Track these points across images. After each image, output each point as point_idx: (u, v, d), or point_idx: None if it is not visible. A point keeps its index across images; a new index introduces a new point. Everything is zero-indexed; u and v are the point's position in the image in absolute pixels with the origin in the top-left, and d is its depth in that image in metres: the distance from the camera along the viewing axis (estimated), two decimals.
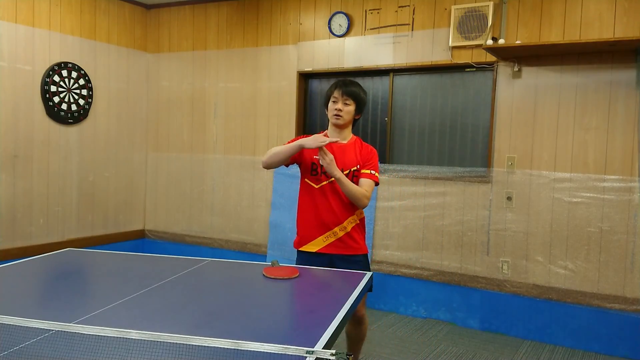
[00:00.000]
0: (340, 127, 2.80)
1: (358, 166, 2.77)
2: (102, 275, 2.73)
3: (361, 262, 2.83)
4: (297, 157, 2.78)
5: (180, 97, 5.71)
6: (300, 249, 2.85)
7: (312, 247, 2.81)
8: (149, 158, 5.91)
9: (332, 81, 5.02)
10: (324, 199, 2.76)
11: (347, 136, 2.82)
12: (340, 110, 2.73)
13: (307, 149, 2.70)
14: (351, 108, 2.75)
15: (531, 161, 4.08)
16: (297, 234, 2.89)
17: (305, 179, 2.81)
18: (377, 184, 2.80)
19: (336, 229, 2.77)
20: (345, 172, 2.71)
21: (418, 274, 4.52)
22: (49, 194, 4.91)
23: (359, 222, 2.84)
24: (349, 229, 2.79)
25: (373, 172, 2.78)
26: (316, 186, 2.77)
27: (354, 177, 2.75)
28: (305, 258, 2.83)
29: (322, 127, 5.10)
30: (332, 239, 2.77)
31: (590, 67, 3.86)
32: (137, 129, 5.77)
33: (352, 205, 2.76)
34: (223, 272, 2.83)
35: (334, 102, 2.76)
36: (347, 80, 2.80)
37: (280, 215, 5.13)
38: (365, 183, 2.74)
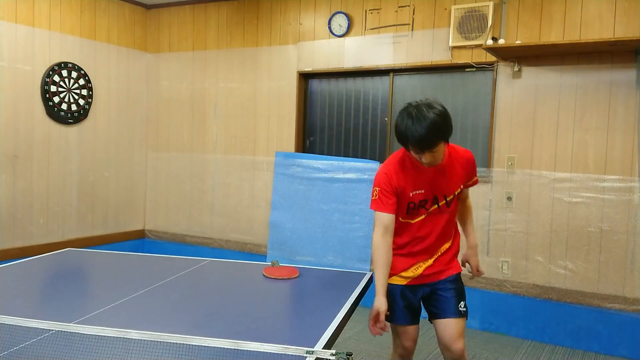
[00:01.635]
0: None
1: (462, 187, 2.41)
2: (102, 275, 2.73)
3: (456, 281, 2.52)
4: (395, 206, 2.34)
5: (180, 97, 5.71)
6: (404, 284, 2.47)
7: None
8: (149, 158, 5.90)
9: (332, 82, 5.09)
10: (423, 229, 2.39)
11: (441, 156, 2.30)
12: (428, 162, 2.25)
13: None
14: (439, 150, 2.22)
15: (531, 161, 4.08)
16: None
17: (400, 218, 2.38)
18: None
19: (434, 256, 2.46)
20: (448, 199, 2.35)
21: None
22: (49, 194, 4.91)
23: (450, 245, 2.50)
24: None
25: (476, 176, 2.51)
26: (412, 221, 2.38)
27: (458, 194, 2.42)
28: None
29: (322, 128, 5.10)
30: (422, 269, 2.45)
31: (590, 67, 3.86)
32: (137, 129, 5.77)
33: (450, 231, 2.48)
34: (223, 272, 2.83)
35: (417, 154, 2.24)
36: (420, 131, 2.13)
37: (280, 215, 5.12)
38: (467, 193, 2.56)
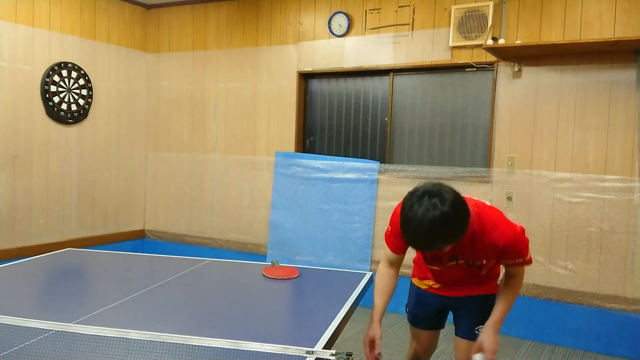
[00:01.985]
0: None
1: (484, 262, 2.10)
2: (102, 275, 2.73)
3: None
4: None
5: (180, 97, 5.71)
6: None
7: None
8: (149, 158, 5.90)
9: (332, 82, 5.09)
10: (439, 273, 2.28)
11: (448, 249, 1.92)
12: (431, 255, 2.09)
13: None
14: (444, 249, 1.88)
15: (531, 161, 4.08)
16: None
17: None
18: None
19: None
20: (469, 262, 2.11)
21: None
22: (49, 194, 4.91)
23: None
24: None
25: (519, 259, 2.03)
26: (429, 265, 2.27)
27: (483, 266, 2.14)
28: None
29: (322, 128, 5.10)
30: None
31: (590, 67, 3.86)
32: (137, 129, 5.77)
33: (476, 276, 2.23)
34: (223, 272, 2.83)
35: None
36: (416, 231, 1.77)
37: (280, 215, 5.13)
38: (517, 270, 2.11)
